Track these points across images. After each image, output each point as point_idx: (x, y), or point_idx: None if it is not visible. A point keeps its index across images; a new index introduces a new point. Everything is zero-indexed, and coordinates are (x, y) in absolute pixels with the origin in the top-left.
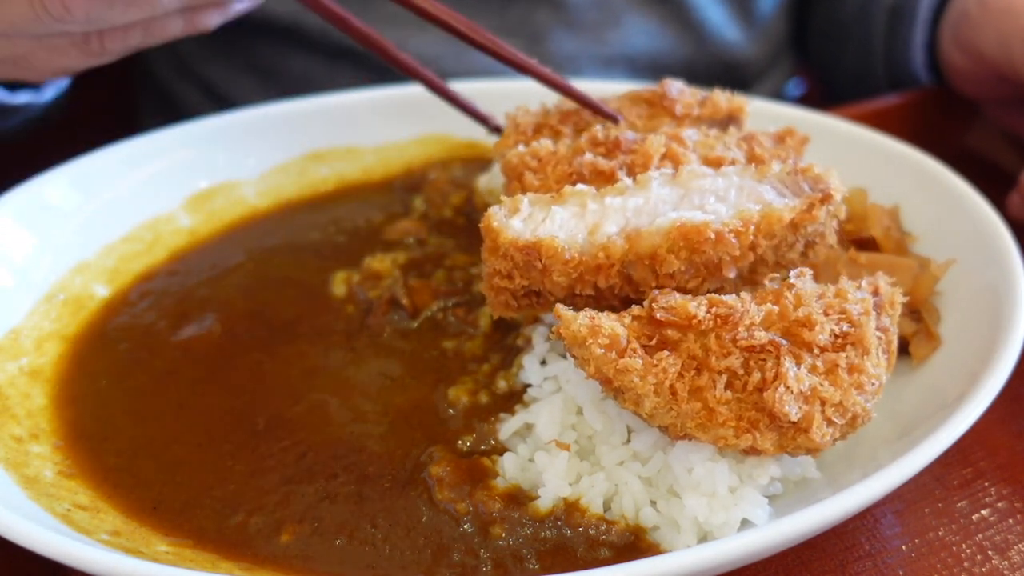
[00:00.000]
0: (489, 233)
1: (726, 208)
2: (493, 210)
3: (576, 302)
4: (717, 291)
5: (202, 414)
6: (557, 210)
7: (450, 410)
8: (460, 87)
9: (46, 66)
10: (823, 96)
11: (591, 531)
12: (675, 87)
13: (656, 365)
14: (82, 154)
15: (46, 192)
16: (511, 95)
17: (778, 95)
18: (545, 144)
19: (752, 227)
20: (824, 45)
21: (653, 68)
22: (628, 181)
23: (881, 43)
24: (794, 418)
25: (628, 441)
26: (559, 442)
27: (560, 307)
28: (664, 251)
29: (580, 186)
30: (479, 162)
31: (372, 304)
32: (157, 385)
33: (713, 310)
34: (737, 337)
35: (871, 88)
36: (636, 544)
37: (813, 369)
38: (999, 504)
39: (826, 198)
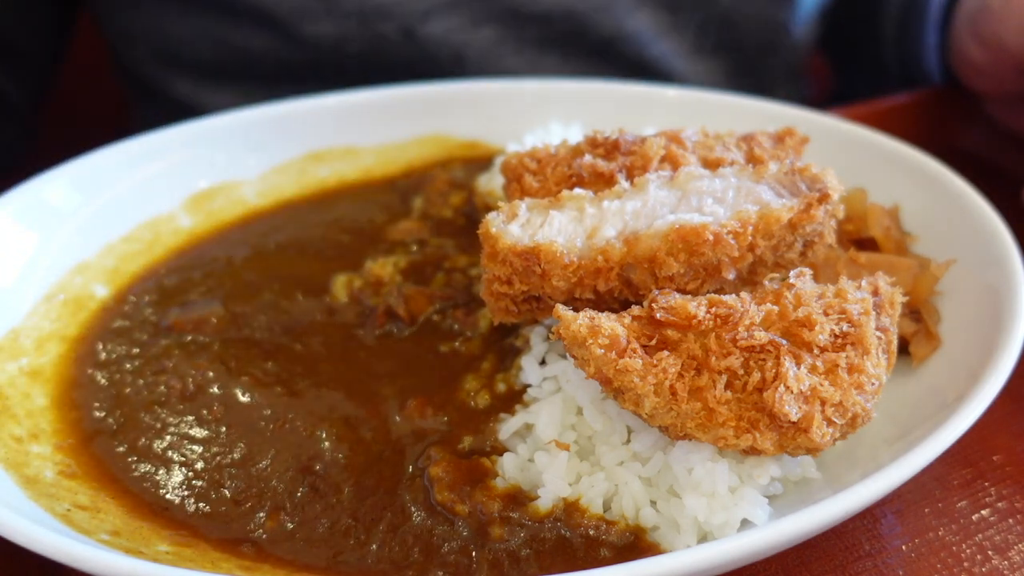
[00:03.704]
0: (488, 239)
1: (724, 209)
2: (491, 216)
3: (576, 306)
4: (717, 292)
5: (204, 413)
6: (555, 215)
7: (449, 411)
8: (463, 87)
9: None
10: (824, 96)
11: (591, 531)
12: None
13: (656, 365)
14: (82, 154)
15: (46, 192)
16: (511, 96)
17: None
18: (544, 146)
19: (750, 228)
20: (840, 46)
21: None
22: (626, 184)
23: (893, 41)
24: (794, 418)
25: (628, 441)
26: (559, 442)
27: (560, 307)
28: (663, 254)
29: (578, 190)
30: (479, 162)
31: (372, 311)
32: (157, 384)
33: (713, 310)
34: (737, 337)
35: (886, 86)
36: (636, 544)
37: (813, 369)
38: (999, 504)
39: (824, 197)
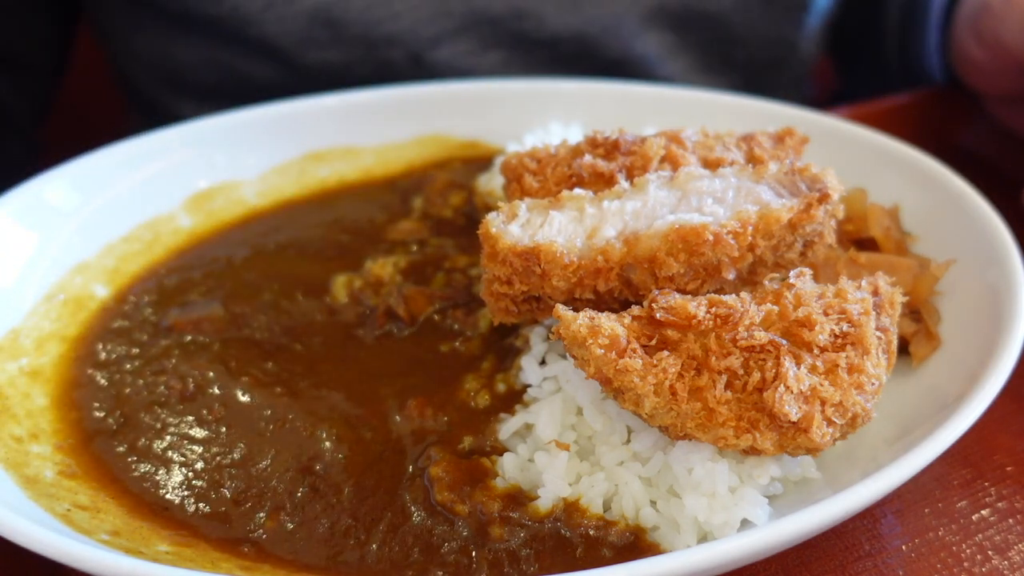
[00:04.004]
0: (488, 239)
1: (724, 209)
2: (491, 217)
3: (576, 306)
4: (717, 292)
5: (204, 413)
6: (555, 215)
7: (449, 411)
8: (463, 87)
9: None
10: (825, 96)
11: (591, 531)
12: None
13: (656, 365)
14: (82, 154)
15: (46, 192)
16: (511, 96)
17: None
18: (544, 146)
19: (750, 228)
20: (843, 47)
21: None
22: (626, 184)
23: (894, 42)
24: (794, 418)
25: (628, 441)
26: (559, 442)
27: (560, 307)
28: (663, 254)
29: (578, 190)
30: (479, 162)
31: (372, 311)
32: (157, 384)
33: (713, 310)
34: (737, 337)
35: (889, 86)
36: (636, 544)
37: (813, 369)
38: (999, 504)
39: (824, 197)
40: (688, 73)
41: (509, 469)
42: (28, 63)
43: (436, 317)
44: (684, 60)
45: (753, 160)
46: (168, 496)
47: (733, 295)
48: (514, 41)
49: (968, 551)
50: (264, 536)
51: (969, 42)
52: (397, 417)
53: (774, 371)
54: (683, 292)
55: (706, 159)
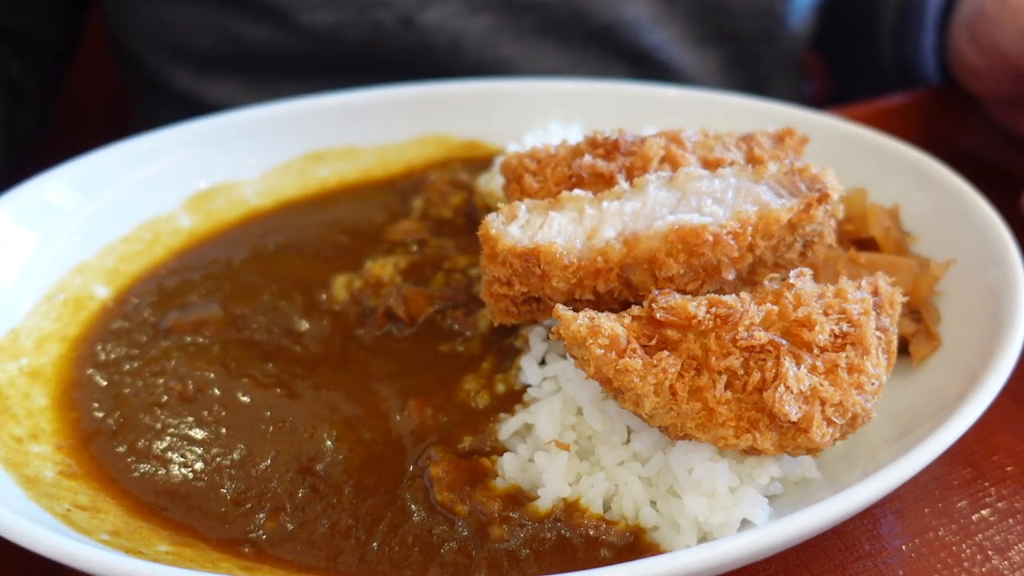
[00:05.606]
0: (487, 240)
1: (724, 210)
2: (490, 217)
3: (576, 307)
4: (717, 292)
5: (204, 414)
6: (555, 216)
7: (449, 411)
8: (463, 87)
9: None
10: (824, 96)
11: (591, 531)
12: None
13: (656, 365)
14: (82, 154)
15: (46, 192)
16: (511, 96)
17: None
18: (544, 146)
19: (750, 228)
20: (836, 47)
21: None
22: (625, 185)
23: (889, 43)
24: (794, 418)
25: (628, 441)
26: (559, 442)
27: (560, 307)
28: (663, 254)
29: (577, 191)
30: (479, 162)
31: (372, 312)
32: (157, 385)
33: (713, 310)
34: (737, 337)
35: (884, 88)
36: (636, 544)
37: (813, 369)
38: (999, 504)
39: (823, 197)
40: (677, 42)
41: (509, 469)
42: (39, 42)
43: (436, 317)
44: (673, 27)
45: (753, 160)
46: (168, 496)
47: (733, 295)
48: (503, 4)
49: (968, 551)
50: (264, 536)
51: (966, 46)
52: (397, 417)
53: (774, 371)
54: (683, 292)
55: (706, 159)
